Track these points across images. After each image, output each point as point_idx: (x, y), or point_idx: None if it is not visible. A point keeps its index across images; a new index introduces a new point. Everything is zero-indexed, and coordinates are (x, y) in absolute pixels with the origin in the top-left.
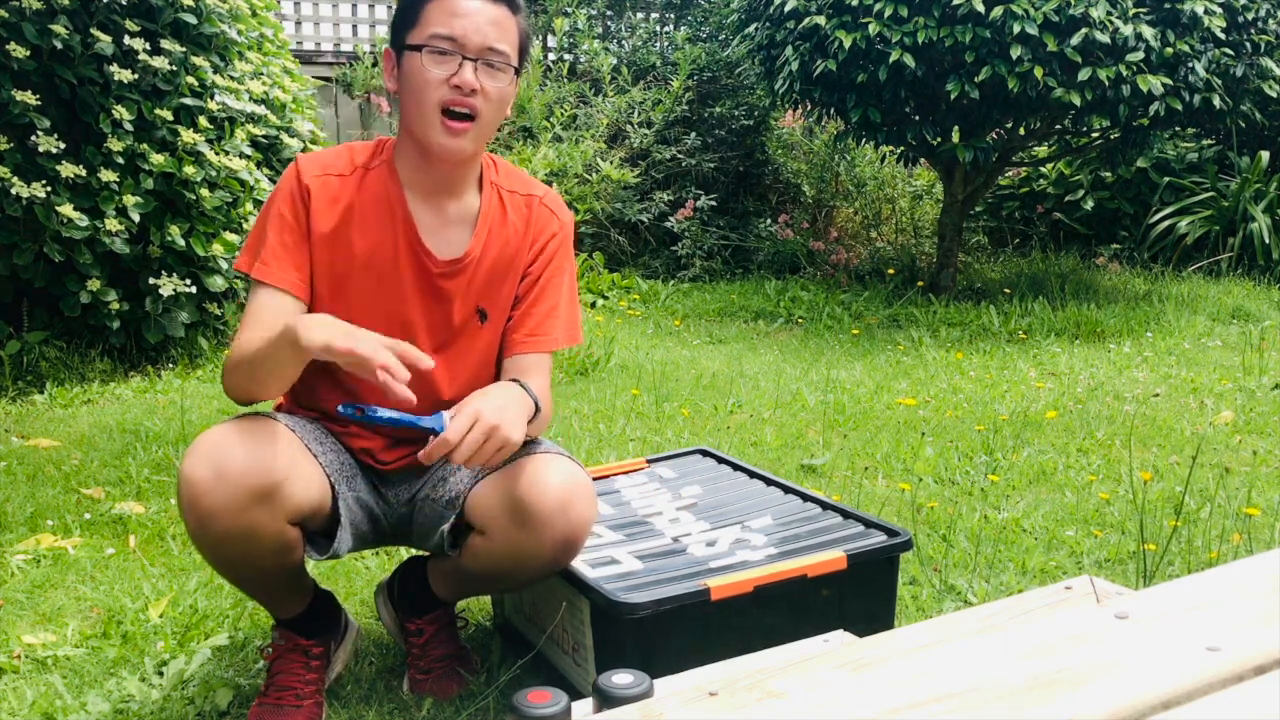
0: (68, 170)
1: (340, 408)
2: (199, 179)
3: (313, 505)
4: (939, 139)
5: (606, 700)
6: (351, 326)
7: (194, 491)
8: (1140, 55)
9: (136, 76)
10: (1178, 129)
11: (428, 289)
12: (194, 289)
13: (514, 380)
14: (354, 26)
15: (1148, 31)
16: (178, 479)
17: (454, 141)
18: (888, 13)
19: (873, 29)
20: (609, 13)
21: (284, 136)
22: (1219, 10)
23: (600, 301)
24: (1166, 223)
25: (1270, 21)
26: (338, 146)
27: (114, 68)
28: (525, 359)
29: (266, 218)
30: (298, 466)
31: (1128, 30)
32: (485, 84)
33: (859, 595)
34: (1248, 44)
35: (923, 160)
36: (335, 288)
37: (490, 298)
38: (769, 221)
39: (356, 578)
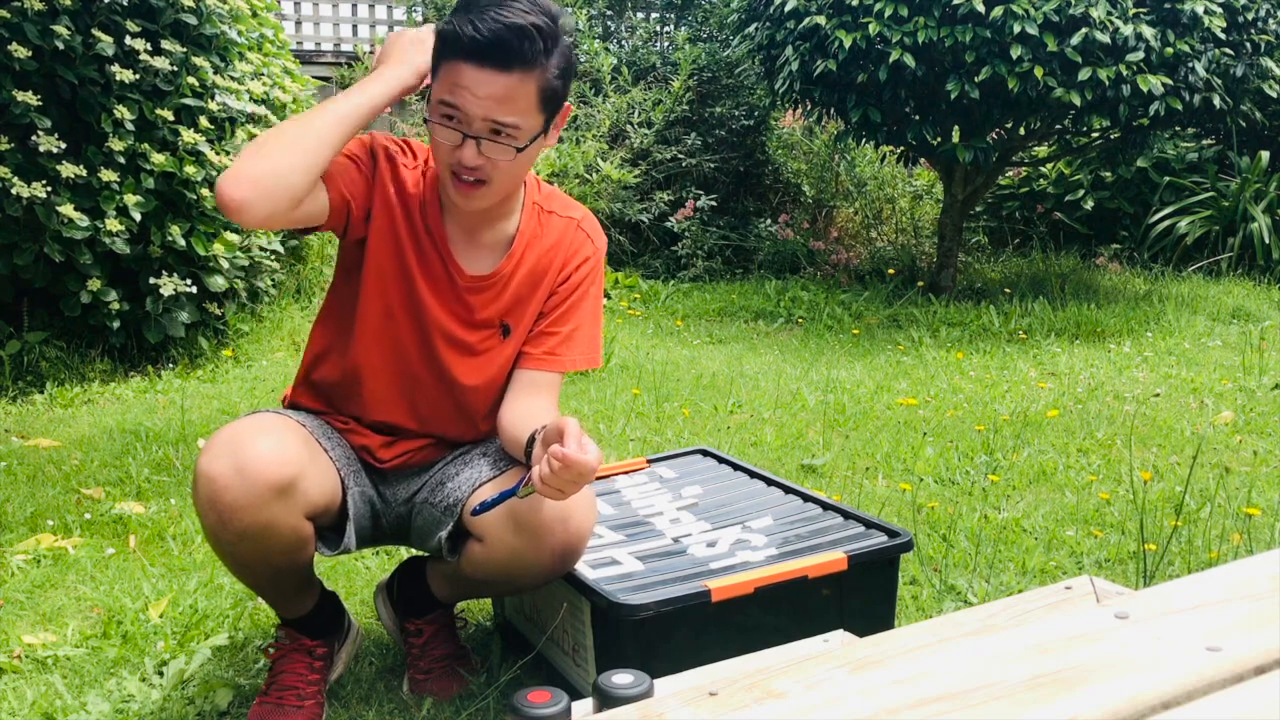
0: (68, 170)
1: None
2: (200, 179)
3: (326, 500)
4: (939, 139)
5: (606, 700)
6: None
7: (215, 487)
8: (1140, 55)
9: (137, 77)
10: (1178, 129)
11: (452, 297)
12: (194, 289)
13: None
14: (354, 26)
15: (1148, 31)
16: (195, 475)
17: (466, 201)
18: (888, 13)
19: (873, 29)
20: (609, 13)
21: None
22: (1219, 10)
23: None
24: (1166, 223)
25: (1270, 21)
26: (395, 137)
27: (115, 68)
28: (537, 376)
29: None
30: (313, 461)
31: (1128, 30)
32: (492, 156)
33: (859, 595)
34: (1248, 44)
35: (923, 160)
36: (376, 240)
37: (517, 314)
38: (769, 221)
39: (356, 578)
